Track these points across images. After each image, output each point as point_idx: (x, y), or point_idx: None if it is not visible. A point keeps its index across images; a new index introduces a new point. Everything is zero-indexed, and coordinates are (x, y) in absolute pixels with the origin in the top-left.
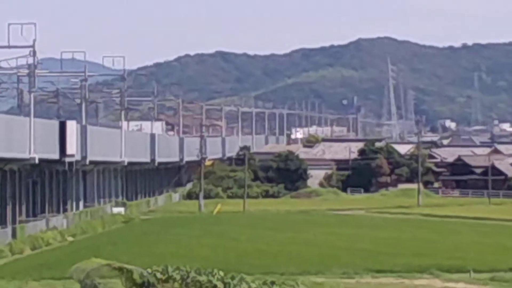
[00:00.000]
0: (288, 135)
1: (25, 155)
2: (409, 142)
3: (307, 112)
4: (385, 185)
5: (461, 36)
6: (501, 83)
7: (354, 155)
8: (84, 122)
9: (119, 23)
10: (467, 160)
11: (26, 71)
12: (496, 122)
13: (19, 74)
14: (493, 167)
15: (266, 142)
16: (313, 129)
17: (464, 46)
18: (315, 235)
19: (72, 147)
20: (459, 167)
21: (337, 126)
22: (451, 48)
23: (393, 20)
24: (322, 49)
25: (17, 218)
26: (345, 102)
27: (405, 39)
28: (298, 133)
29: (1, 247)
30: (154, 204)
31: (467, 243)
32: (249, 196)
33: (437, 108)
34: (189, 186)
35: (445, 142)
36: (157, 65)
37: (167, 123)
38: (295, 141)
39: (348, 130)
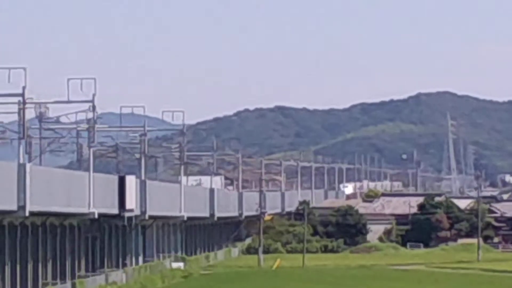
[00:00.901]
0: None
1: (85, 210)
2: (468, 197)
3: (366, 167)
4: (445, 240)
5: None
6: None
7: (414, 210)
8: (143, 177)
9: (178, 78)
10: None
11: (86, 126)
12: None
13: (78, 129)
14: None
15: (326, 197)
16: (363, 184)
17: None
18: None
19: (131, 202)
20: None
21: (395, 181)
22: (510, 102)
23: (453, 74)
24: (382, 103)
25: (76, 273)
26: (404, 156)
27: (464, 94)
28: (346, 188)
29: None
30: (213, 259)
31: None
32: (308, 251)
33: (497, 162)
34: (248, 241)
35: (505, 196)
36: (217, 119)
37: (226, 178)
38: (354, 195)
39: (407, 185)
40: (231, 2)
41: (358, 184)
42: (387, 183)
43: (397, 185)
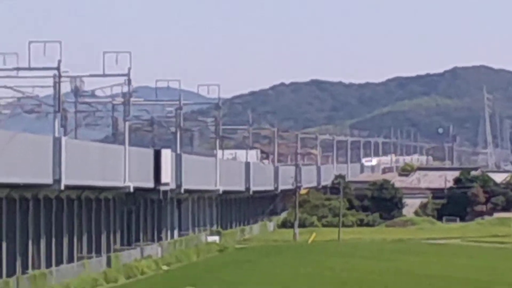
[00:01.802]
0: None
1: (120, 184)
2: (505, 171)
3: (402, 141)
4: (481, 214)
5: None
6: None
7: (450, 184)
8: (178, 151)
9: (213, 51)
10: None
11: (121, 99)
12: None
13: (114, 102)
14: None
15: (362, 171)
16: (387, 158)
17: None
18: (411, 264)
19: (167, 176)
20: None
21: (423, 156)
22: None
23: (489, 48)
24: (418, 77)
25: (112, 247)
26: (440, 130)
27: (501, 68)
28: (368, 162)
29: (95, 275)
30: (248, 232)
31: None
32: (344, 225)
33: None
34: (283, 214)
35: None
36: (252, 93)
37: (262, 152)
38: (390, 169)
39: (443, 159)
40: None
41: (393, 157)
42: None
43: (426, 159)
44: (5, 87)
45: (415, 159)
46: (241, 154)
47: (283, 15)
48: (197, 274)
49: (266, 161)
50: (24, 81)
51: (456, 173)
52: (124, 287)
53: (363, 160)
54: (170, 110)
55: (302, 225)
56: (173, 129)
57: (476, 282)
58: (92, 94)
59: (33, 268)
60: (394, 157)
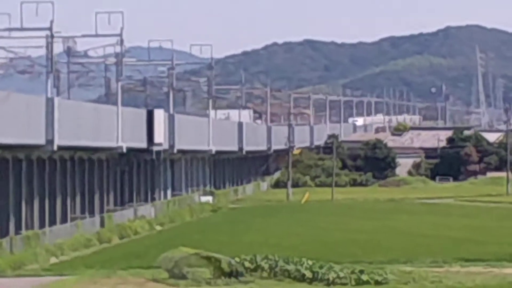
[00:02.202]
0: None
1: (113, 144)
2: (498, 130)
3: (395, 100)
4: (474, 174)
5: None
6: None
7: (443, 144)
8: (171, 111)
9: (206, 11)
10: None
11: (114, 60)
12: None
13: (106, 63)
14: None
15: (354, 130)
16: (377, 118)
17: None
18: (404, 223)
19: (160, 136)
20: None
21: (413, 115)
22: None
23: (482, 7)
24: (411, 37)
25: (105, 207)
26: (433, 90)
27: (494, 27)
28: (356, 122)
29: (89, 236)
30: (242, 193)
31: None
32: (337, 185)
33: None
34: (277, 174)
35: None
36: (245, 53)
37: (254, 112)
38: (383, 129)
39: (436, 118)
40: None
41: (382, 117)
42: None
43: (419, 119)
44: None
45: (408, 119)
46: (234, 114)
47: None
48: (191, 234)
49: (259, 121)
50: (16, 41)
51: (449, 133)
52: (118, 247)
53: (350, 120)
54: (162, 70)
55: (295, 185)
56: (165, 89)
57: (469, 241)
58: (85, 55)
59: (27, 228)
60: (382, 117)
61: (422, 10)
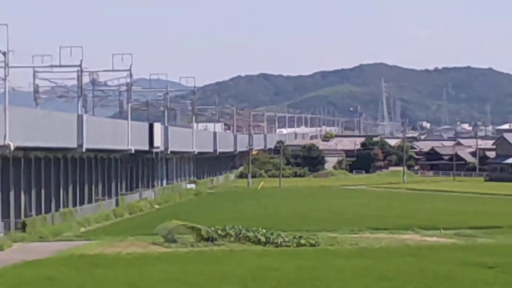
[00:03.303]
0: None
1: (125, 147)
2: (397, 137)
3: (324, 116)
4: (380, 168)
5: (434, 60)
6: (462, 96)
7: (358, 147)
8: (166, 124)
9: (191, 52)
10: (438, 150)
11: (125, 87)
12: (458, 123)
13: (119, 89)
14: (457, 155)
15: (295, 137)
16: (300, 129)
17: (436, 69)
18: (331, 203)
19: (157, 141)
20: (432, 155)
21: (332, 126)
22: (426, 70)
23: (386, 50)
24: (335, 71)
25: (119, 192)
26: (351, 109)
27: (394, 64)
28: (281, 133)
29: (108, 212)
30: (216, 182)
31: (438, 209)
32: (283, 176)
33: (417, 113)
34: (241, 169)
35: (422, 137)
36: (218, 83)
37: (225, 124)
38: (316, 136)
39: (353, 129)
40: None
41: (319, 128)
42: (336, 128)
43: (335, 129)
44: (43, 79)
45: (333, 129)
46: (210, 126)
47: (243, 28)
48: (180, 210)
49: (228, 131)
50: (56, 75)
51: (362, 139)
52: (128, 220)
53: (277, 131)
54: (160, 95)
55: (253, 176)
56: (162, 108)
57: (376, 215)
58: (105, 84)
59: (63, 207)
60: (315, 128)
61: (343, 51)
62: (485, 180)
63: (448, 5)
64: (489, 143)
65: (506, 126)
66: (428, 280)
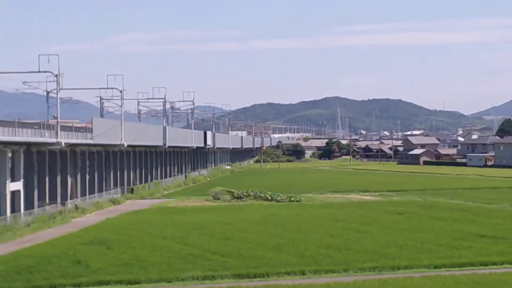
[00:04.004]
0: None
1: (190, 145)
2: (346, 139)
3: (304, 127)
4: (337, 157)
5: (367, 94)
6: (384, 115)
7: (324, 145)
8: (213, 131)
9: (229, 89)
10: (370, 146)
11: (190, 110)
12: (381, 131)
13: (188, 112)
14: (380, 149)
15: (288, 139)
16: (290, 135)
17: (368, 100)
18: (309, 177)
19: (209, 142)
20: (366, 149)
21: (307, 134)
22: (363, 100)
23: (340, 88)
24: (312, 101)
25: (186, 170)
26: (320, 123)
27: (344, 97)
28: (273, 137)
29: (180, 182)
30: (242, 165)
31: (370, 180)
32: (281, 161)
33: (358, 125)
34: (256, 157)
35: (361, 139)
36: (244, 108)
37: (247, 132)
38: (299, 139)
39: (321, 134)
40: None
41: (301, 134)
42: (309, 134)
43: (310, 135)
44: (143, 106)
45: (309, 135)
46: (239, 133)
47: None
48: (221, 181)
49: (249, 135)
50: (150, 104)
51: (326, 140)
52: (192, 187)
53: (277, 135)
54: (210, 115)
55: (264, 161)
56: (211, 122)
57: (334, 184)
58: (178, 108)
59: (155, 179)
60: (300, 134)
61: (315, 89)
62: (397, 164)
63: (376, 67)
64: (399, 142)
65: (409, 133)
66: (364, 220)
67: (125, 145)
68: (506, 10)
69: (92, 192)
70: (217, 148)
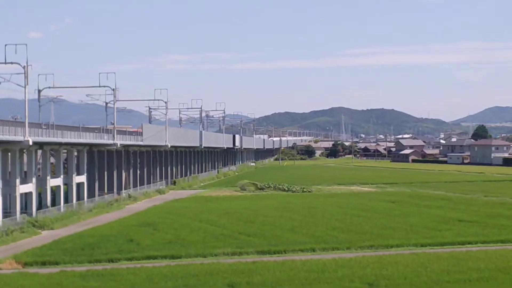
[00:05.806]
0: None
1: (221, 146)
2: (349, 141)
3: (315, 132)
4: (341, 156)
5: (366, 104)
6: (379, 122)
7: (331, 146)
8: (241, 135)
9: (252, 99)
10: (368, 147)
11: (221, 118)
12: (378, 135)
13: (219, 119)
14: (377, 150)
15: (301, 142)
16: (303, 138)
17: (367, 109)
18: (317, 172)
19: (237, 143)
20: (365, 150)
21: (317, 137)
22: (362, 110)
23: (344, 99)
24: (321, 110)
25: (218, 166)
26: (327, 128)
27: (348, 107)
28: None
29: (213, 176)
30: (264, 162)
31: (368, 174)
32: (295, 159)
33: (358, 130)
34: (276, 156)
35: (361, 141)
36: (265, 116)
37: (269, 135)
38: (311, 141)
39: (329, 138)
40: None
41: (311, 137)
42: (317, 138)
43: (320, 138)
44: (183, 114)
45: (318, 139)
46: (262, 136)
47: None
48: (247, 175)
49: (270, 138)
50: (190, 113)
51: (332, 142)
52: (223, 180)
53: (293, 138)
54: (238, 122)
55: (282, 159)
56: (239, 128)
57: (338, 177)
58: (212, 116)
59: (192, 174)
60: (311, 137)
61: (325, 100)
62: (390, 162)
63: (373, 82)
64: (392, 144)
65: (400, 136)
66: (363, 207)
67: (169, 146)
68: (477, 36)
69: (142, 184)
70: (244, 148)
